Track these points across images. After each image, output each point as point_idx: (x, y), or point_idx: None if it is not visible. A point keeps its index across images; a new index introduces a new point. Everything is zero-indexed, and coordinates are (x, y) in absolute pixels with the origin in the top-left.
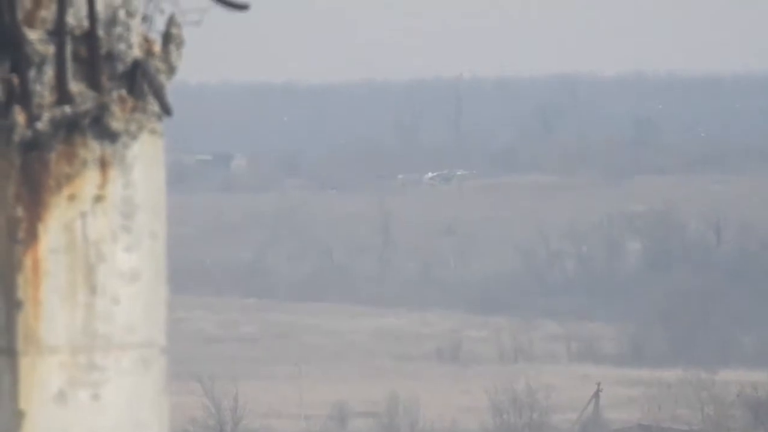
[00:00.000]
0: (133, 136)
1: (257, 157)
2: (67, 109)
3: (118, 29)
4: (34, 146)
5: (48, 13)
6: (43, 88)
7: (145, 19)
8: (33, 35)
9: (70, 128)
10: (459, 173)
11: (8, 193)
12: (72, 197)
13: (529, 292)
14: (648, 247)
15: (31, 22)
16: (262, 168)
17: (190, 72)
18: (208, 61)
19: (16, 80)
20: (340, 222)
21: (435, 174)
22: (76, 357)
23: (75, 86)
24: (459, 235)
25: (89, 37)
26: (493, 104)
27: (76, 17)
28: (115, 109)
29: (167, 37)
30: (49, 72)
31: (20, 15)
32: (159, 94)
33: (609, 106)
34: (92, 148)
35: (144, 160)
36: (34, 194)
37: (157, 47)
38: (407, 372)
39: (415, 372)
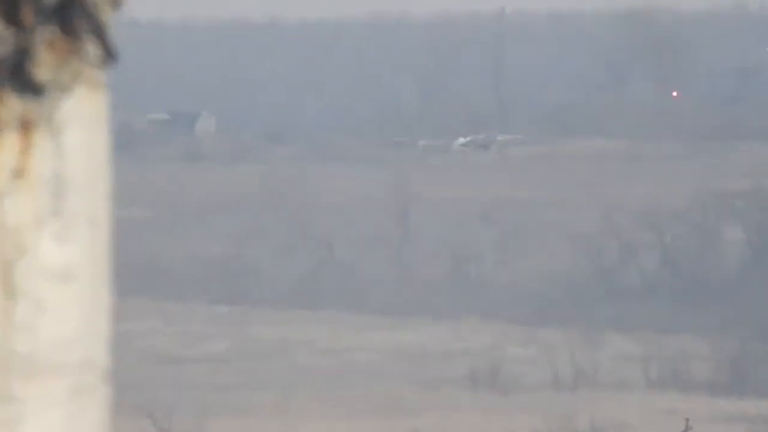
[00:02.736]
0: (66, 90)
1: (231, 117)
2: None
3: None
4: None
5: None
6: None
7: None
8: None
9: None
10: (500, 138)
11: None
12: None
13: (594, 298)
14: (753, 237)
15: None
16: (238, 132)
17: (142, 6)
18: None
19: None
20: (343, 205)
21: (468, 139)
22: None
23: None
24: (499, 221)
25: None
26: (546, 48)
27: None
28: (42, 53)
29: None
30: None
31: None
32: (100, 34)
33: (699, 51)
34: (10, 106)
35: (80, 121)
36: None
37: None
38: (432, 403)
39: (442, 403)
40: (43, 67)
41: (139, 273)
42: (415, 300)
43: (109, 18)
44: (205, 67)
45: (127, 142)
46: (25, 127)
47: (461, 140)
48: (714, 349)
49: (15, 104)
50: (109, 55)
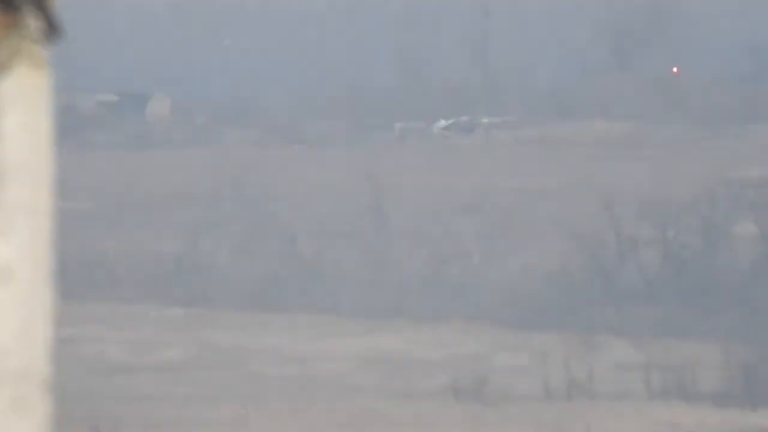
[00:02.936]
0: (5, 68)
1: (186, 98)
2: None
3: None
4: None
5: None
6: None
7: None
8: None
9: None
10: (486, 120)
11: None
12: None
13: (591, 298)
14: (767, 232)
15: None
16: (194, 114)
17: None
18: None
19: None
20: (310, 194)
21: (450, 122)
22: None
23: None
24: (486, 213)
25: None
26: (538, 20)
27: None
28: None
29: None
30: None
31: None
32: (42, 6)
33: (708, 25)
34: None
35: (20, 103)
36: None
37: None
38: (409, 417)
39: (421, 417)
40: None
41: (83, 272)
42: (391, 301)
43: None
44: (159, 44)
45: (71, 126)
46: None
47: (442, 122)
48: (723, 355)
49: None
50: (52, 29)
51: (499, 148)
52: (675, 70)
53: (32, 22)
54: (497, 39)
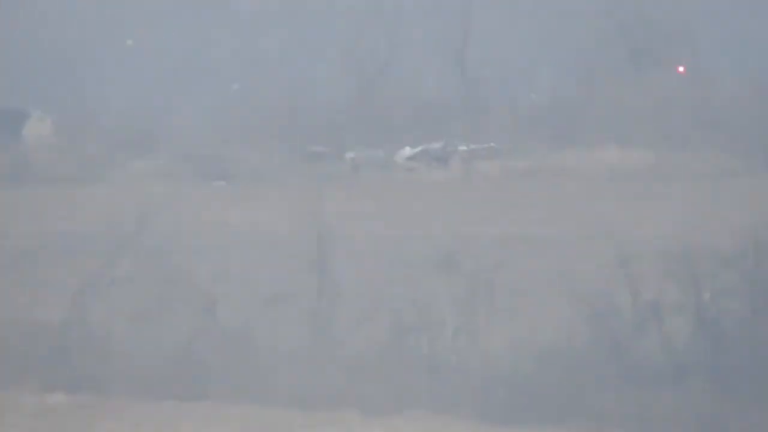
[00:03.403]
0: None
1: (73, 117)
2: None
3: None
4: None
5: None
6: None
7: None
8: None
9: None
10: (463, 148)
11: None
12: None
13: (600, 382)
14: None
15: None
16: (82, 138)
17: None
18: None
19: None
20: (233, 246)
21: (418, 150)
22: None
23: None
24: (463, 270)
25: None
26: (528, 18)
27: None
28: None
29: None
30: None
31: None
32: None
33: (734, 25)
34: None
35: None
36: None
37: None
38: None
39: None
40: None
41: None
42: (338, 386)
43: None
44: (38, 47)
45: None
46: None
47: (407, 151)
48: None
49: None
50: None
51: (481, 183)
52: (681, 69)
53: None
54: (478, 40)
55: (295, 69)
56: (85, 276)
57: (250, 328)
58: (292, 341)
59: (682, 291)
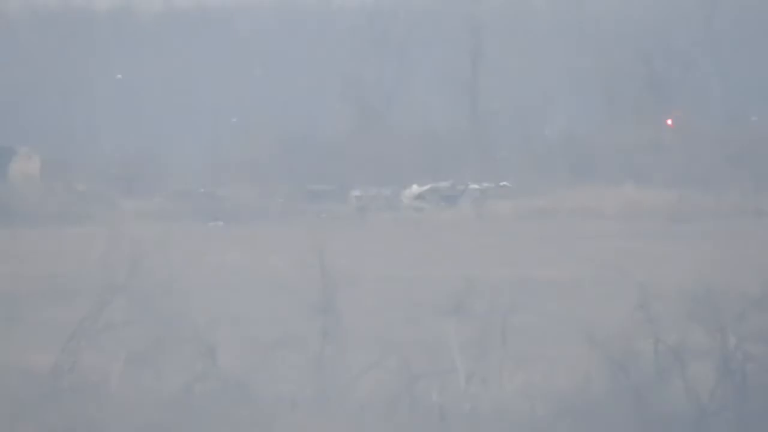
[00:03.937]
0: None
1: (61, 154)
2: None
3: None
4: None
5: None
6: None
7: None
8: None
9: None
10: (474, 186)
11: None
12: None
13: (620, 430)
14: None
15: None
16: (72, 176)
17: None
18: None
19: None
20: (231, 289)
21: (426, 188)
22: None
23: None
24: (474, 314)
25: None
26: (543, 47)
27: None
28: None
29: None
30: None
31: None
32: None
33: (751, 49)
34: None
35: None
36: None
37: None
38: None
39: None
40: None
41: None
42: None
43: None
44: (26, 81)
45: None
46: None
47: (415, 189)
48: None
49: None
50: None
51: (493, 224)
52: (669, 122)
53: None
54: (490, 73)
55: (295, 101)
56: (75, 319)
57: (250, 374)
58: (295, 388)
59: (705, 335)
